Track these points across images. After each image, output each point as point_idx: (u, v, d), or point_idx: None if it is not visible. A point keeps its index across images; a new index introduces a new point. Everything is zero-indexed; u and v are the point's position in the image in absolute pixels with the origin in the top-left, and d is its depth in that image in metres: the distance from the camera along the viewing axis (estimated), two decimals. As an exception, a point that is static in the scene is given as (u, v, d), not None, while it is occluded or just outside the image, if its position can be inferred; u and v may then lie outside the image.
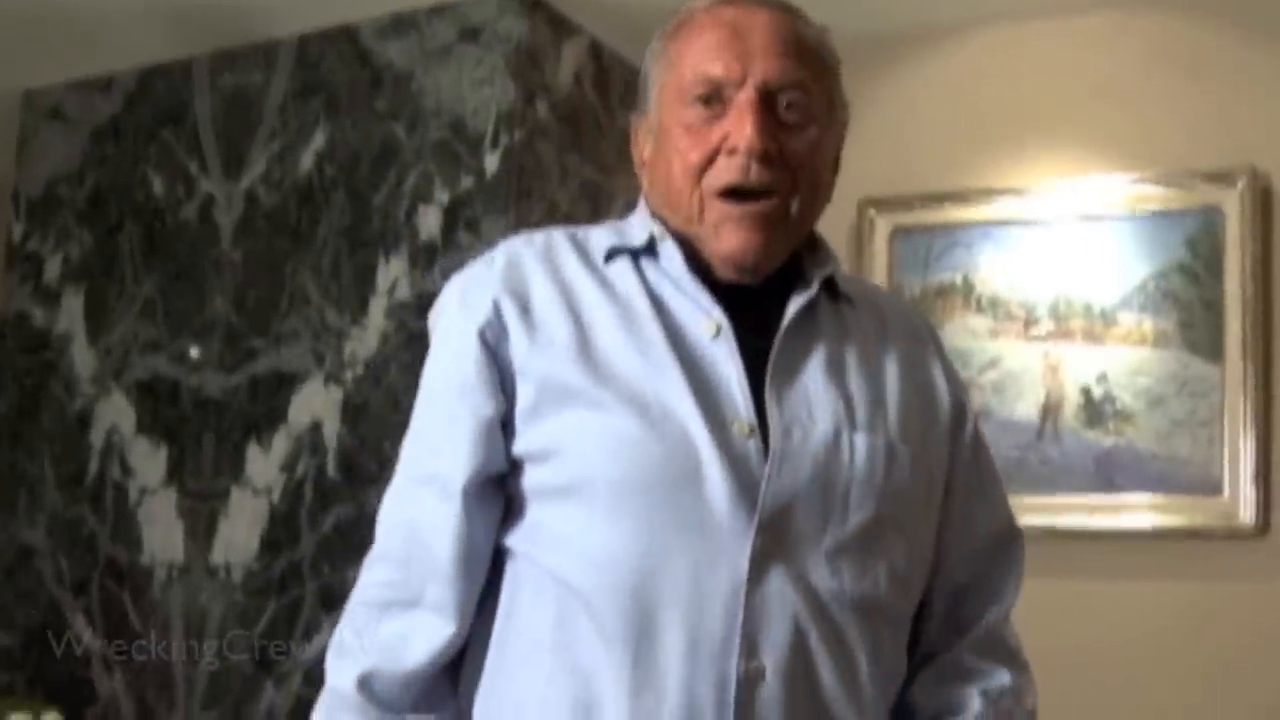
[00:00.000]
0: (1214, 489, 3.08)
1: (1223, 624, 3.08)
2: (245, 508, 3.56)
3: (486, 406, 1.49)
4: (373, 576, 1.55)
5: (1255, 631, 3.05)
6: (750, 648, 1.40)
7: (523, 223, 3.33)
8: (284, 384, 3.56)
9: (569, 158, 3.50)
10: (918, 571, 1.54)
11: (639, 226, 1.57)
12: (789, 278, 1.55)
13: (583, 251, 1.56)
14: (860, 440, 1.48)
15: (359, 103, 3.59)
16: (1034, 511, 3.20)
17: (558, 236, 1.59)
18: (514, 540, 1.50)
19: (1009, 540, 1.65)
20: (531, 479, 1.48)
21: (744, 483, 1.42)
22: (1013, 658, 1.62)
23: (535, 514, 1.48)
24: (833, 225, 3.54)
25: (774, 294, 1.54)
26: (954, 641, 1.59)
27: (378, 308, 3.45)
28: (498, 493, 1.51)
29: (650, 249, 1.55)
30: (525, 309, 1.50)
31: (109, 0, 3.56)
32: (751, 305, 1.52)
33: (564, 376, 1.46)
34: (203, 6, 3.59)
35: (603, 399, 1.44)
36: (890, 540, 1.49)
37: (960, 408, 1.62)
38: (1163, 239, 3.20)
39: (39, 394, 3.96)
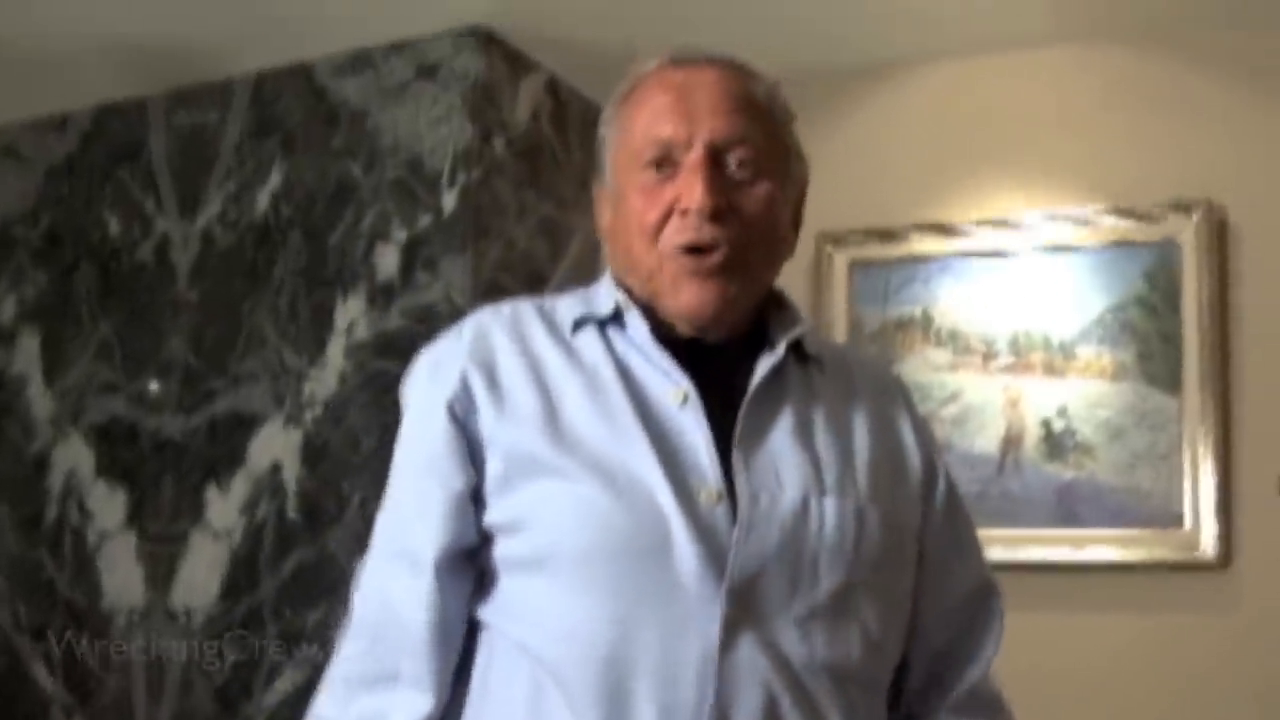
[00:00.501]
0: (1175, 521, 3.09)
1: (1185, 656, 3.08)
2: (205, 551, 3.53)
3: (456, 480, 1.49)
4: (348, 651, 1.55)
5: (1218, 663, 3.06)
6: (722, 717, 1.39)
7: (481, 260, 3.32)
8: (243, 425, 3.53)
9: (526, 195, 3.49)
10: (893, 634, 1.54)
11: (605, 295, 1.58)
12: (756, 341, 1.56)
13: (550, 322, 1.58)
14: (829, 505, 1.47)
15: (315, 141, 3.57)
16: (995, 545, 3.20)
17: (525, 308, 1.60)
18: (486, 613, 1.50)
19: (987, 597, 1.65)
20: (501, 550, 1.49)
21: (712, 551, 1.41)
22: (994, 712, 1.63)
23: (506, 585, 1.48)
24: (791, 260, 3.55)
25: (741, 357, 1.54)
26: (935, 704, 1.60)
27: (336, 348, 3.43)
28: (469, 566, 1.51)
29: (617, 318, 1.56)
30: (493, 380, 1.51)
31: (63, 39, 3.54)
32: (719, 370, 1.52)
33: (531, 447, 1.47)
34: (157, 45, 3.57)
35: (569, 469, 1.45)
36: (862, 605, 1.48)
37: (931, 466, 1.62)
38: (1120, 271, 3.21)
39: (-5, 436, 3.93)
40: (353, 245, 3.46)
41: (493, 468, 1.49)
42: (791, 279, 3.53)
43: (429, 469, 1.51)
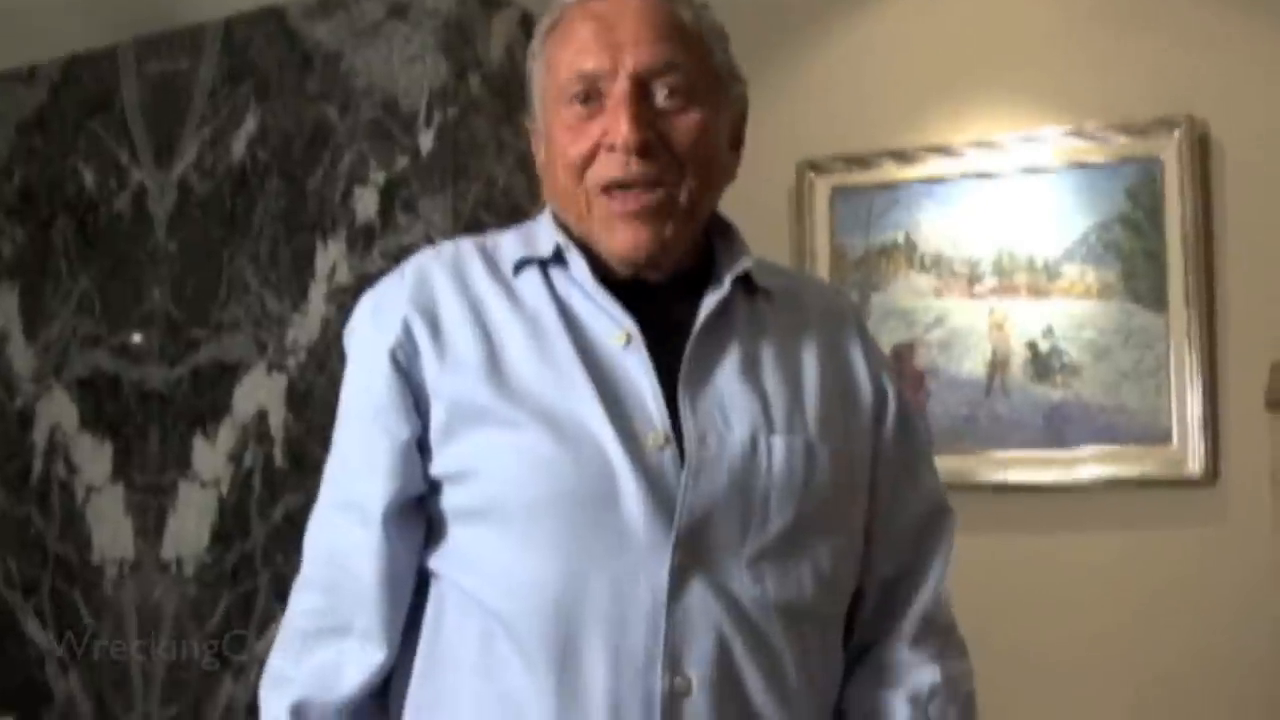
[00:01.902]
0: (1162, 438, 3.10)
1: (1173, 571, 3.10)
2: (194, 501, 3.53)
3: (402, 430, 1.48)
4: (300, 604, 1.54)
5: (1203, 577, 3.07)
6: (674, 662, 1.39)
7: (461, 199, 3.30)
8: (227, 374, 3.52)
9: (504, 132, 3.47)
10: (846, 570, 1.53)
11: (545, 234, 1.55)
12: (702, 275, 1.54)
13: (491, 263, 1.55)
14: (778, 443, 1.46)
15: (289, 85, 3.54)
16: (985, 467, 3.22)
17: (466, 248, 1.57)
18: (436, 562, 1.49)
19: (938, 519, 1.63)
20: (449, 500, 1.47)
21: (660, 496, 1.41)
22: (945, 643, 1.60)
23: (455, 536, 1.47)
24: (772, 188, 3.55)
25: (686, 294, 1.52)
26: (886, 630, 1.58)
27: (318, 293, 3.41)
28: (418, 515, 1.50)
29: (558, 257, 1.53)
30: (435, 328, 1.49)
31: (28, -10, 3.50)
32: (664, 307, 1.50)
33: (475, 396, 1.45)
34: (124, -7, 3.54)
35: (514, 418, 1.43)
36: (813, 542, 1.47)
37: (881, 392, 1.60)
38: (1103, 190, 3.20)
39: (-22, 393, 3.91)
40: (331, 189, 3.44)
41: (436, 416, 1.47)
42: (773, 207, 3.52)
43: (374, 419, 1.49)
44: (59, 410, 3.77)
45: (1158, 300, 3.12)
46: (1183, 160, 3.12)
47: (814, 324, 1.59)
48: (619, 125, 1.44)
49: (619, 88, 1.46)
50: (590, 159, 1.47)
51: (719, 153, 1.53)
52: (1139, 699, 3.08)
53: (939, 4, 3.43)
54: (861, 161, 3.40)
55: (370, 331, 1.52)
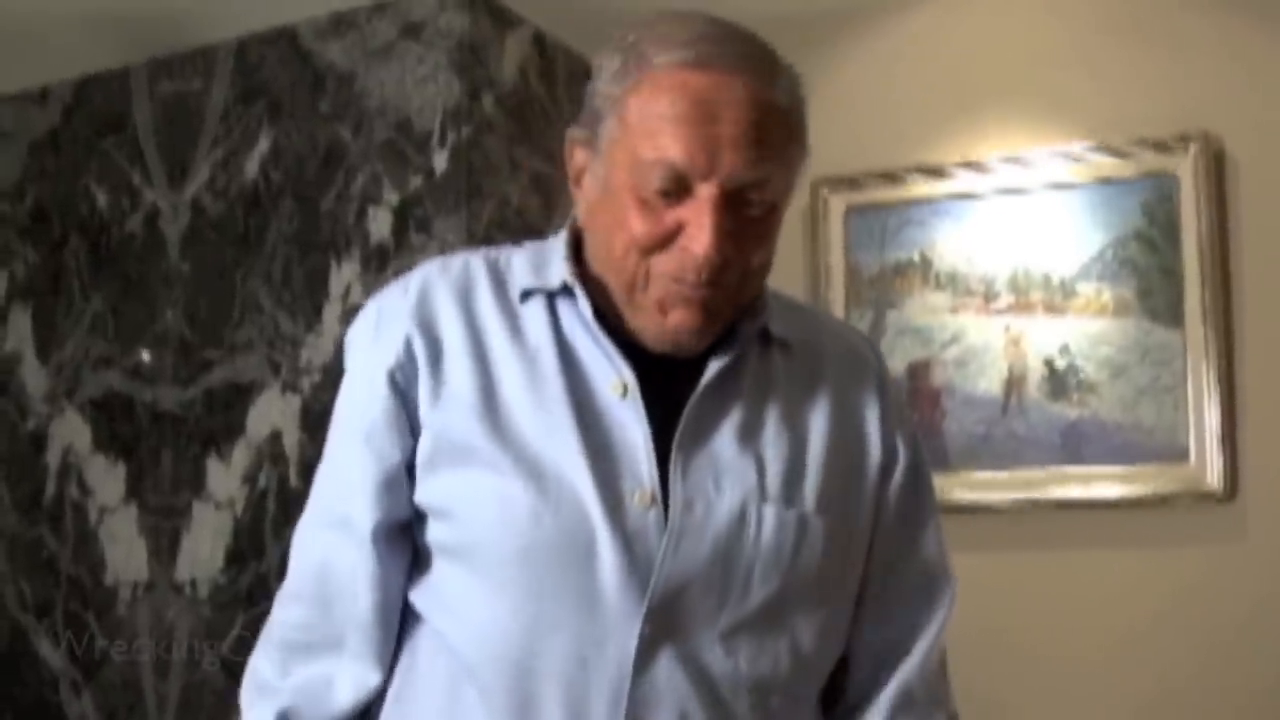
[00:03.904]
0: (1180, 455, 3.08)
1: (1193, 588, 3.08)
2: (208, 522, 3.52)
3: (392, 454, 1.46)
4: (288, 616, 1.53)
5: (1226, 594, 3.06)
6: None
7: (475, 219, 3.30)
8: (241, 394, 3.51)
9: (518, 151, 3.47)
10: (828, 647, 1.49)
11: (557, 265, 1.50)
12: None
13: (500, 285, 1.50)
14: (769, 513, 1.41)
15: (302, 105, 3.54)
16: (1001, 486, 3.21)
17: (476, 266, 1.52)
18: (415, 597, 1.47)
19: (935, 589, 1.56)
20: (431, 533, 1.46)
21: (638, 561, 1.37)
22: (931, 715, 1.54)
23: (435, 570, 1.46)
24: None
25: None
26: (872, 700, 1.52)
27: (332, 313, 3.41)
28: (406, 540, 1.48)
29: (567, 290, 1.48)
30: (435, 352, 1.45)
31: (41, 10, 3.50)
32: (670, 360, 1.45)
33: (463, 433, 1.42)
34: (137, 13, 3.53)
35: (499, 462, 1.40)
36: (795, 618, 1.43)
37: (892, 452, 1.54)
38: (1119, 207, 3.19)
39: (-9, 415, 3.90)
40: (345, 209, 3.44)
41: (423, 445, 1.44)
42: (787, 226, 3.54)
43: (367, 439, 1.46)
44: (72, 431, 3.76)
45: (1174, 317, 3.11)
46: (1198, 176, 3.12)
47: (829, 379, 1.53)
48: (702, 236, 1.37)
49: (708, 193, 1.37)
50: (660, 245, 1.40)
51: (776, 238, 1.47)
52: (1155, 717, 3.06)
53: (953, 22, 3.43)
54: (876, 179, 3.39)
55: (371, 347, 1.49)
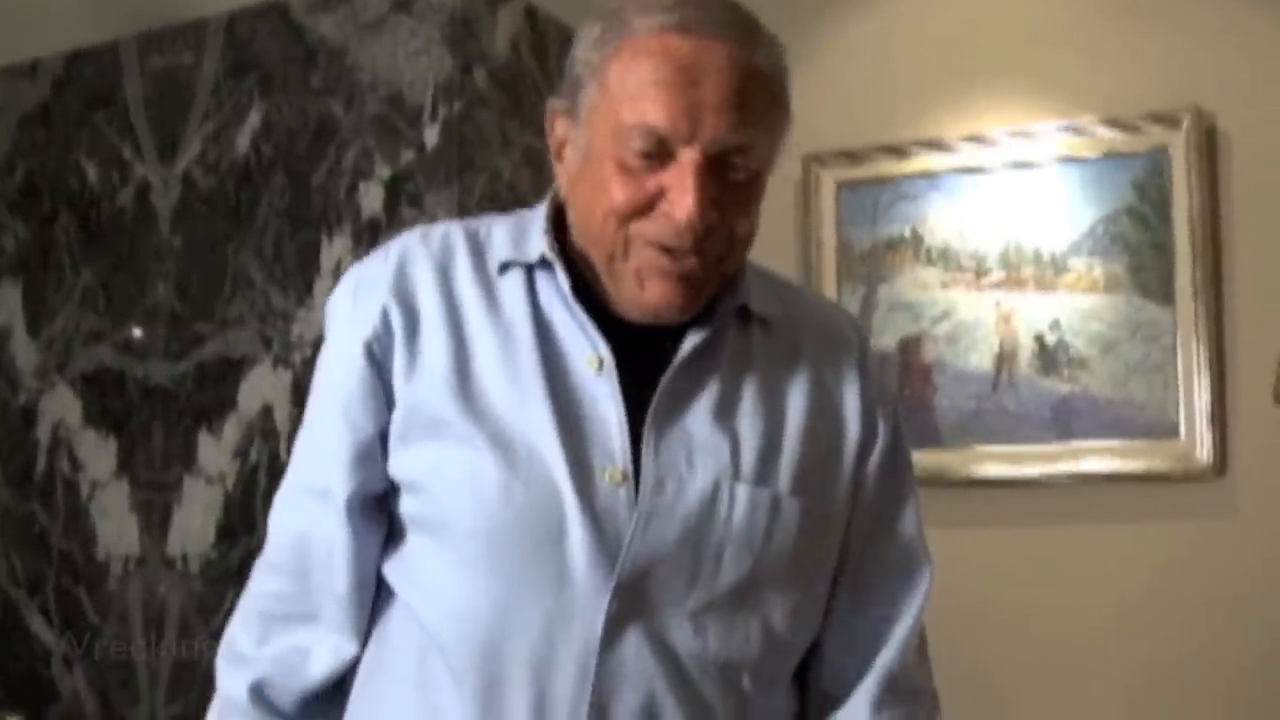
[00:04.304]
0: (1170, 431, 3.09)
1: (1183, 564, 3.10)
2: (199, 496, 3.52)
3: (367, 425, 1.45)
4: (265, 586, 1.53)
5: (1216, 569, 3.07)
6: (599, 713, 1.36)
7: (467, 193, 3.29)
8: (232, 369, 3.51)
9: (510, 125, 3.46)
10: (802, 628, 1.47)
11: (536, 238, 1.49)
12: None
13: (479, 257, 1.49)
14: (741, 492, 1.40)
15: (293, 80, 3.52)
16: (992, 461, 3.21)
17: (456, 237, 1.51)
18: (388, 569, 1.47)
19: (913, 572, 1.54)
20: (404, 505, 1.46)
21: (607, 539, 1.36)
22: (912, 707, 1.52)
23: (407, 544, 1.46)
24: (778, 182, 3.49)
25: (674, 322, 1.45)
26: (849, 687, 1.51)
27: (323, 288, 3.40)
28: (381, 511, 1.48)
29: (545, 263, 1.47)
30: (412, 322, 1.45)
31: (30, -16, 3.49)
32: (646, 333, 1.44)
33: (436, 407, 1.42)
34: (127, -13, 3.53)
35: (470, 436, 1.39)
36: (767, 598, 1.42)
37: (871, 429, 1.53)
38: (1110, 183, 3.19)
39: (-19, 390, 3.90)
40: (336, 183, 3.43)
41: (396, 418, 1.44)
42: (779, 201, 3.51)
43: (343, 410, 1.46)
44: (62, 406, 3.75)
45: (1165, 293, 3.12)
46: (1190, 152, 3.12)
47: (808, 356, 1.52)
48: (684, 200, 1.35)
49: (690, 157, 1.36)
50: (641, 211, 1.38)
51: (758, 204, 1.46)
52: (1147, 692, 3.08)
53: (945, -3, 3.42)
54: (867, 155, 3.39)
55: (349, 316, 1.48)
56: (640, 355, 1.43)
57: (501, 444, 1.38)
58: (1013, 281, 3.24)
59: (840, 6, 3.51)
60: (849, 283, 3.37)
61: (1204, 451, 3.06)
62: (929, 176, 3.34)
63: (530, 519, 1.36)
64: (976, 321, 3.26)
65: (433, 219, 3.27)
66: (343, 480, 1.45)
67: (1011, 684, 3.13)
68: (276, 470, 3.39)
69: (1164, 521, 3.12)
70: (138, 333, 3.65)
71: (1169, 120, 3.14)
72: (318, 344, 3.39)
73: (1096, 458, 3.14)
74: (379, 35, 3.43)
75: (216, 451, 3.51)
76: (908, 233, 3.35)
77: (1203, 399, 3.07)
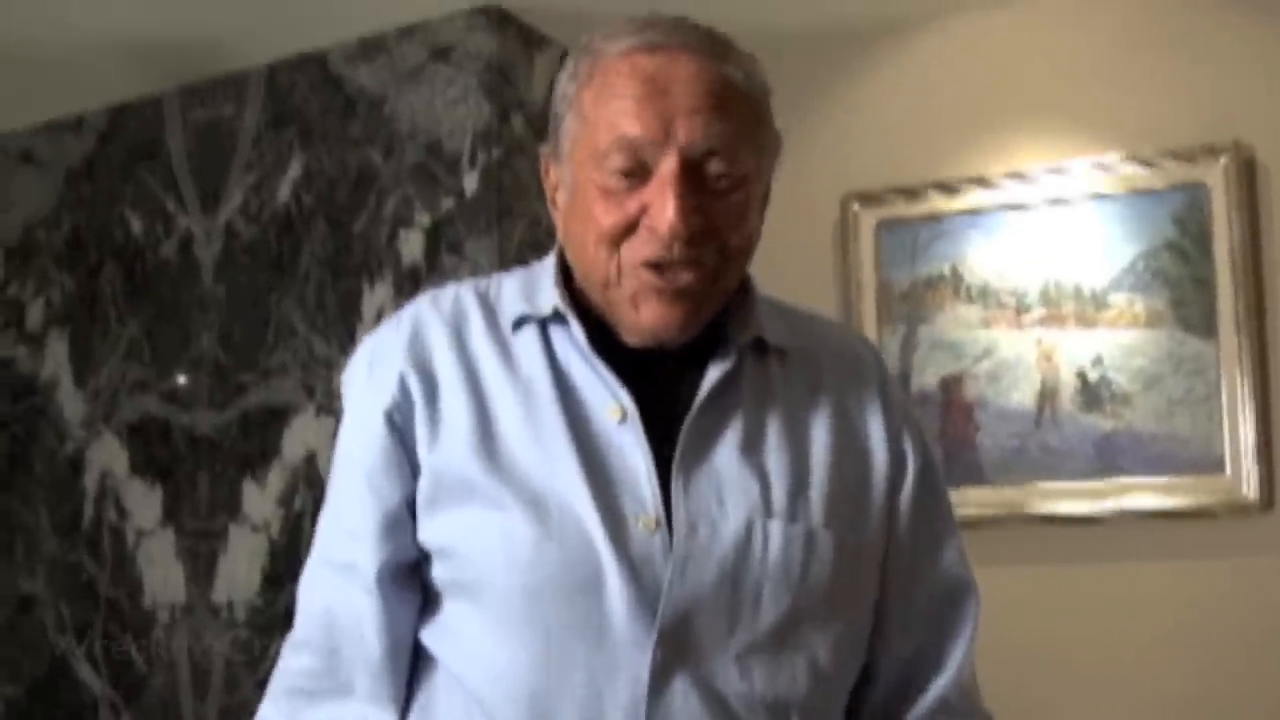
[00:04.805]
0: (1216, 466, 3.07)
1: (1232, 600, 3.07)
2: (244, 544, 3.54)
3: (393, 495, 1.43)
4: (296, 664, 1.50)
5: (1263, 604, 3.04)
6: None
7: (506, 240, 3.31)
8: (275, 417, 3.53)
9: (548, 172, 3.47)
10: (848, 661, 1.46)
11: (547, 291, 1.47)
12: (709, 337, 1.45)
13: (491, 315, 1.48)
14: (775, 529, 1.39)
15: (333, 129, 3.56)
16: (1036, 499, 3.20)
17: (467, 298, 1.50)
18: (427, 637, 1.45)
19: (959, 598, 1.52)
20: (437, 571, 1.43)
21: (645, 587, 1.35)
22: None
23: (444, 610, 1.44)
24: (817, 221, 3.55)
25: (691, 360, 1.44)
26: (904, 713, 1.49)
27: (365, 335, 3.42)
28: (414, 579, 1.46)
29: (559, 316, 1.46)
30: (431, 389, 1.43)
31: (73, 39, 3.53)
32: (666, 375, 1.43)
33: (462, 470, 1.40)
34: (168, 41, 3.56)
35: (500, 497, 1.38)
36: (810, 635, 1.40)
37: (900, 456, 1.51)
38: (1150, 217, 3.19)
39: (29, 440, 3.93)
40: (376, 231, 3.46)
41: (423, 485, 1.42)
42: (817, 240, 3.52)
43: (367, 481, 1.44)
44: (109, 456, 3.79)
45: (1208, 327, 3.10)
46: (1229, 185, 3.11)
47: (829, 386, 1.50)
48: (665, 211, 1.34)
49: (667, 166, 1.35)
50: (627, 232, 1.37)
51: (755, 223, 1.44)
52: (1198, 730, 3.05)
53: (983, 34, 3.43)
54: (907, 194, 3.39)
55: (366, 386, 1.46)
56: (661, 394, 1.42)
57: (531, 501, 1.37)
58: (1054, 318, 3.23)
59: (873, 47, 3.52)
60: (889, 323, 3.37)
61: (1251, 486, 3.04)
62: (967, 215, 3.33)
63: (566, 574, 1.35)
64: (1018, 359, 3.25)
65: (473, 266, 3.29)
66: (371, 552, 1.43)
67: (1054, 715, 3.10)
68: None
69: (1210, 557, 3.10)
70: (183, 381, 3.68)
71: (1207, 154, 3.14)
72: (360, 391, 3.42)
73: (1141, 494, 3.12)
74: (417, 84, 3.46)
75: (261, 499, 3.53)
76: (947, 271, 3.34)
77: (1248, 433, 3.05)
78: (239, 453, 3.58)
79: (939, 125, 3.42)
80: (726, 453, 1.41)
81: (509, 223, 3.34)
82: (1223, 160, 3.12)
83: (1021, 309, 3.27)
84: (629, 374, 1.42)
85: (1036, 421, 3.22)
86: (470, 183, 3.35)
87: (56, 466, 3.87)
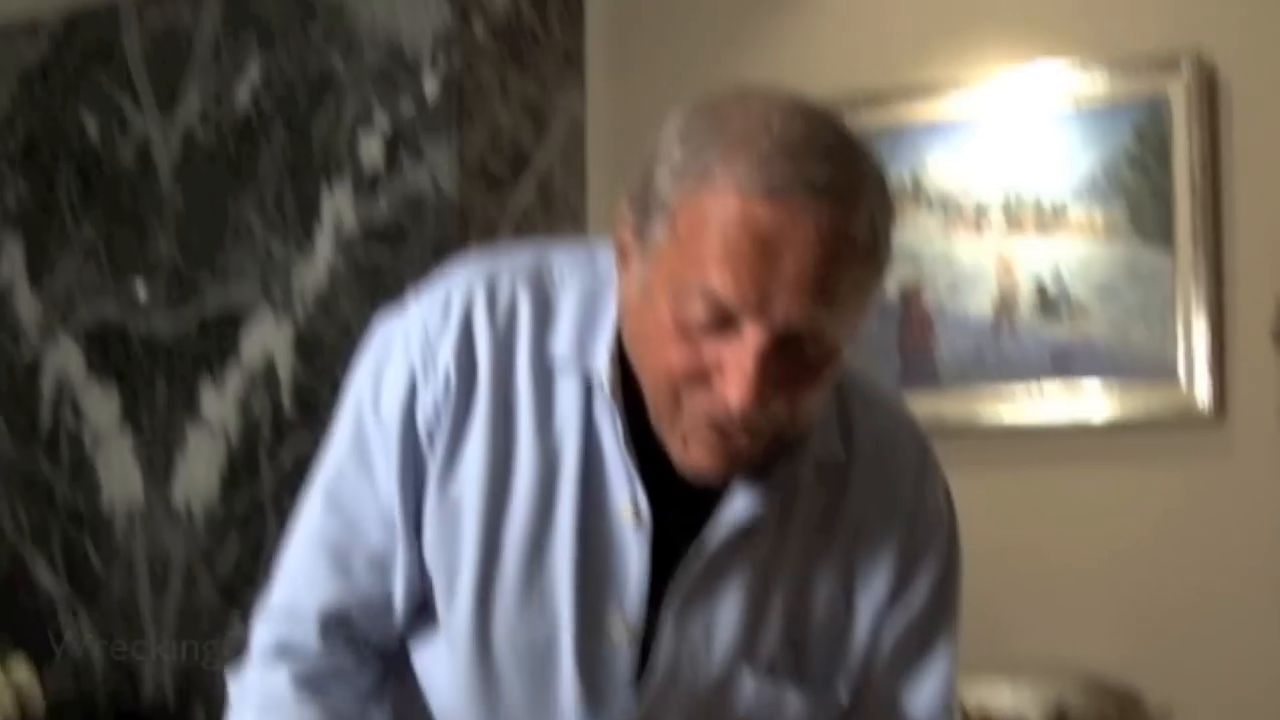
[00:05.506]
0: (1169, 376, 3.09)
1: (1182, 507, 3.11)
2: (202, 448, 3.54)
3: (404, 492, 1.38)
4: (313, 526, 1.49)
5: (1214, 512, 3.08)
6: None
7: (466, 145, 3.30)
8: (233, 321, 3.52)
9: (508, 76, 3.46)
10: None
11: (602, 345, 1.34)
12: None
13: (542, 337, 1.35)
14: (752, 681, 1.37)
15: (293, 33, 3.52)
16: (992, 404, 3.22)
17: (523, 306, 1.35)
18: (407, 632, 1.44)
19: None
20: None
21: (597, 692, 1.34)
22: None
23: (422, 615, 1.42)
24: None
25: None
26: None
27: (324, 239, 3.41)
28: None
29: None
30: (465, 405, 1.34)
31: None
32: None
33: (458, 542, 1.35)
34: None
35: (486, 569, 1.34)
36: None
37: (906, 579, 1.41)
38: (1110, 129, 3.19)
39: (-16, 345, 3.91)
40: (336, 136, 3.43)
41: (423, 508, 1.37)
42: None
43: (371, 456, 1.39)
44: (66, 359, 3.77)
45: (1164, 239, 3.12)
46: (1190, 98, 3.11)
47: (853, 500, 1.40)
48: (739, 387, 1.19)
49: (753, 339, 1.19)
50: (696, 380, 1.23)
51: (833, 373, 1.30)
52: (1145, 633, 3.09)
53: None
54: (868, 100, 3.38)
55: (407, 366, 1.36)
56: (678, 499, 1.33)
57: (515, 581, 1.34)
58: (1013, 227, 3.24)
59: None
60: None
61: (1203, 395, 3.07)
62: (929, 123, 3.33)
63: (525, 649, 1.34)
64: (977, 267, 3.26)
65: (433, 170, 3.28)
66: (394, 493, 1.38)
67: (1011, 625, 3.14)
68: (279, 420, 3.42)
69: (1164, 465, 3.13)
70: (139, 285, 3.66)
71: (1169, 66, 3.13)
72: (319, 295, 3.43)
73: (1096, 402, 3.15)
74: (377, -14, 3.42)
75: (219, 403, 3.53)
76: (908, 179, 3.34)
77: (1202, 343, 3.07)
78: (197, 356, 3.57)
79: (899, 32, 3.40)
80: (730, 595, 1.36)
81: (469, 127, 3.32)
82: (1184, 72, 3.12)
83: (981, 218, 3.27)
84: (658, 462, 1.32)
85: (994, 329, 3.24)
86: (431, 87, 3.33)
87: (12, 370, 3.86)
